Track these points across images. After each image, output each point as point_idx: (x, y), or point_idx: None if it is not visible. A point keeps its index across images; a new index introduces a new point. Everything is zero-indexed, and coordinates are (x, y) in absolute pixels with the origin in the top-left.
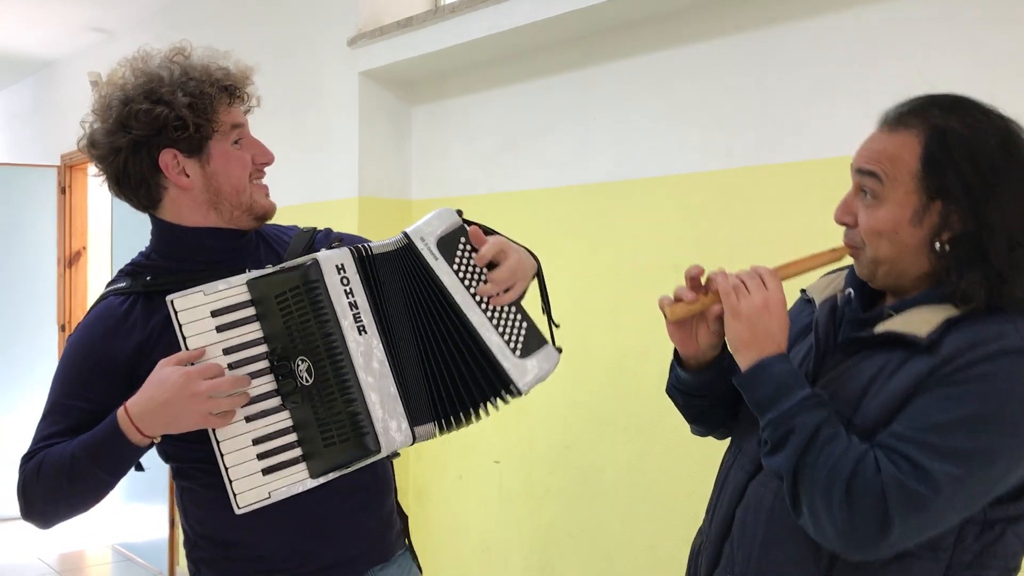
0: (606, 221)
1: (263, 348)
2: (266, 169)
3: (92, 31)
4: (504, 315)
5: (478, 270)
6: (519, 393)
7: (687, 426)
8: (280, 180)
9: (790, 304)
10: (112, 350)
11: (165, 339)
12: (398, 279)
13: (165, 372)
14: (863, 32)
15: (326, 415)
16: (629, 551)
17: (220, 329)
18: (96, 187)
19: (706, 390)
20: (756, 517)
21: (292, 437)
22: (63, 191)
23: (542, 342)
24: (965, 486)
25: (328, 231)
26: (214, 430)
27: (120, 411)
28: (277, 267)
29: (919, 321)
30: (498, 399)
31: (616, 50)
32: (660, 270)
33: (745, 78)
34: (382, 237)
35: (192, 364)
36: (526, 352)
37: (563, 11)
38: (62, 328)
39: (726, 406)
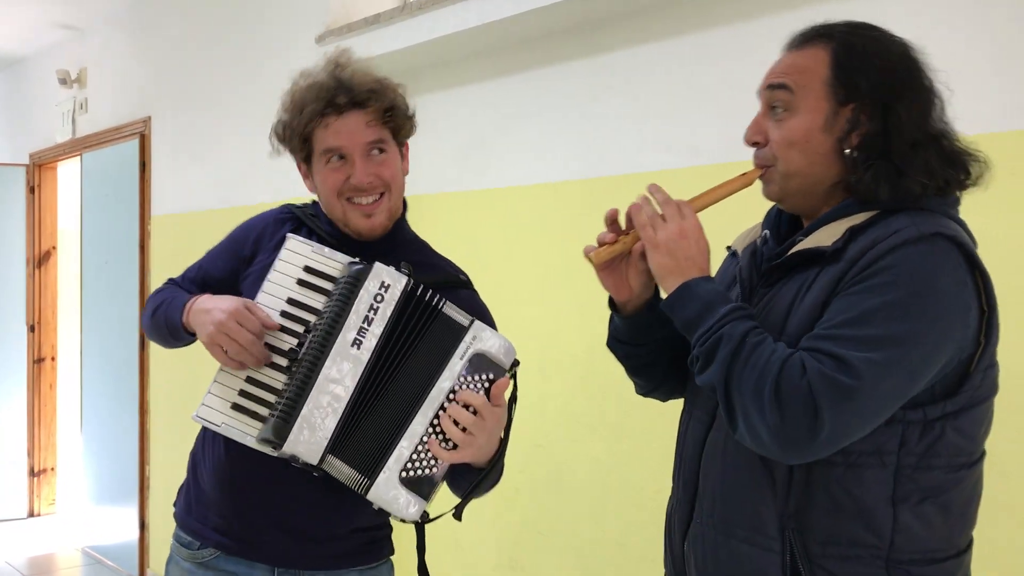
0: (574, 219)
1: (311, 318)
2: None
3: (61, 28)
4: (431, 451)
5: (469, 408)
6: (363, 493)
7: (657, 422)
8: (250, 179)
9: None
10: (245, 243)
11: (272, 261)
12: (424, 336)
13: (231, 298)
14: None
15: (286, 390)
16: (599, 548)
17: (299, 283)
18: (65, 185)
19: (644, 336)
20: (714, 461)
21: (271, 397)
22: (32, 190)
23: (423, 496)
24: (887, 372)
25: (469, 293)
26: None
27: (197, 295)
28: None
29: (825, 235)
30: (357, 483)
31: (583, 47)
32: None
33: (710, 75)
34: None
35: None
36: (407, 483)
37: (529, 8)
38: (31, 328)
39: (667, 357)
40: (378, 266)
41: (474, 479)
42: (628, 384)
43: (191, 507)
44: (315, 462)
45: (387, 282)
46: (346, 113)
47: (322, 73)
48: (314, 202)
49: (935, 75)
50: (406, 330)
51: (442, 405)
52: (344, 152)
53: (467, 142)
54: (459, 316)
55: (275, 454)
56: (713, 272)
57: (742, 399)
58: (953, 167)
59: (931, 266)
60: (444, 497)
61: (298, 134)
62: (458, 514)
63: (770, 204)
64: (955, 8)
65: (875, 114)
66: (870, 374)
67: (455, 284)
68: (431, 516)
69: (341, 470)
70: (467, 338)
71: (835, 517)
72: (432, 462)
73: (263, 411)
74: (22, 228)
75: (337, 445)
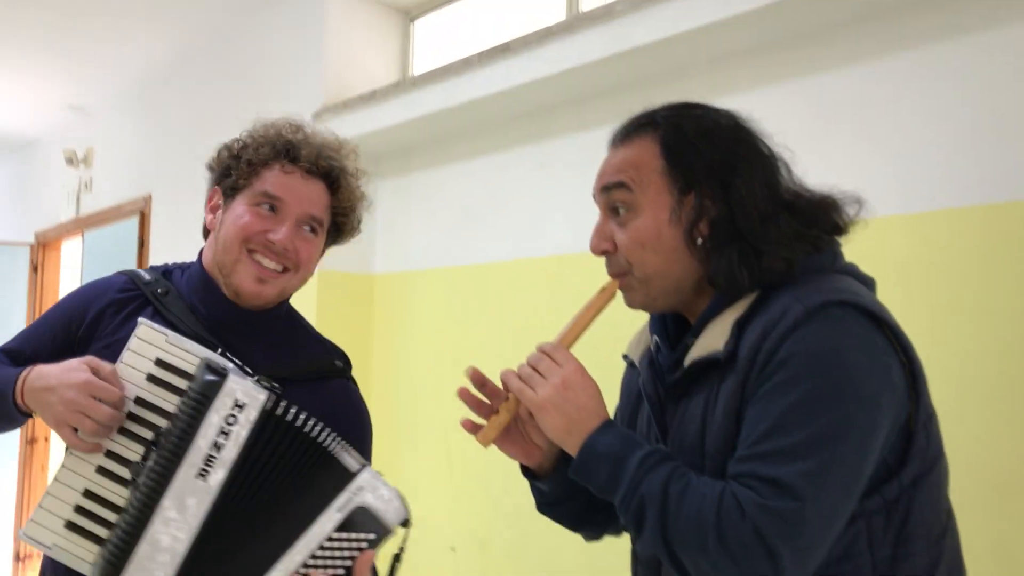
0: (560, 293)
1: (162, 422)
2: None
3: (69, 109)
4: None
5: (336, 564)
6: None
7: None
8: None
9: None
10: (80, 319)
11: (116, 355)
12: (291, 471)
13: (76, 363)
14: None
15: (123, 521)
16: None
17: (150, 379)
18: (68, 263)
19: (574, 488)
20: None
21: (112, 516)
22: (35, 269)
23: None
24: (827, 478)
25: (345, 384)
26: (68, 451)
27: (28, 368)
28: (229, 367)
29: (715, 336)
30: None
31: (574, 121)
32: (616, 342)
33: None
34: (341, 314)
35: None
36: None
37: (522, 82)
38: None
39: (603, 502)
40: (231, 381)
41: None
42: None
43: None
44: None
45: (241, 400)
46: (309, 177)
47: (316, 133)
48: (159, 270)
49: (771, 140)
50: (264, 458)
51: (306, 562)
52: (280, 207)
53: (457, 218)
54: (346, 457)
55: None
56: (616, 376)
57: (690, 558)
58: (816, 225)
59: (831, 342)
60: None
61: (250, 161)
62: None
63: None
64: (912, 89)
65: (717, 196)
66: (811, 488)
67: (326, 373)
68: None
69: None
70: (351, 487)
71: None
72: None
73: (101, 531)
74: (24, 307)
75: None
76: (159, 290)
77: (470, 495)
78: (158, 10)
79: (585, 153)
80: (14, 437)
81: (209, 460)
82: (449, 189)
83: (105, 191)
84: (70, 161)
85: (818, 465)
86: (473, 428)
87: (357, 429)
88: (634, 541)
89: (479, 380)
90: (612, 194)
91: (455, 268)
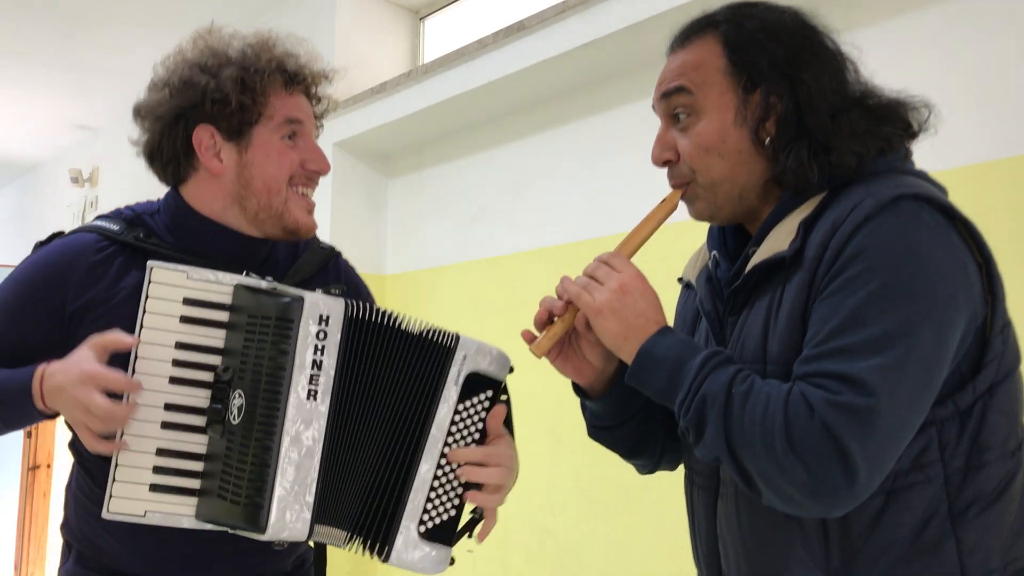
0: None
1: (215, 360)
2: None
3: (76, 128)
4: (447, 491)
5: (472, 432)
6: (383, 560)
7: (674, 499)
8: None
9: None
10: (63, 294)
11: (127, 309)
12: (393, 366)
13: (82, 351)
14: None
15: (235, 465)
16: None
17: (184, 320)
18: None
19: (627, 410)
20: (731, 532)
21: (198, 466)
22: None
23: (447, 543)
24: (903, 373)
25: (343, 261)
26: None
27: (39, 370)
28: (271, 285)
29: (780, 238)
30: (365, 548)
31: (586, 107)
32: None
33: None
34: None
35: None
36: (429, 536)
37: (535, 61)
38: (28, 435)
39: (659, 421)
40: (310, 297)
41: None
42: None
43: None
44: (305, 538)
45: (325, 313)
46: (303, 94)
47: (274, 42)
48: (117, 217)
49: (838, 37)
50: (363, 363)
51: (445, 438)
52: (299, 131)
53: (473, 212)
54: (439, 336)
55: (260, 539)
56: (669, 312)
57: (756, 463)
58: (888, 123)
59: (905, 235)
60: None
61: (254, 91)
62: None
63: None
64: (941, 45)
65: (785, 92)
66: (884, 384)
67: (325, 261)
68: (453, 560)
69: (336, 536)
70: (455, 358)
71: (889, 559)
72: (449, 504)
73: (191, 483)
74: None
75: (323, 512)
76: (140, 234)
77: None
78: (164, 20)
79: (600, 136)
80: (15, 463)
81: (313, 379)
82: (463, 183)
83: (112, 208)
84: (75, 180)
85: (892, 360)
86: (531, 339)
87: (369, 296)
88: (694, 447)
89: (545, 306)
90: (672, 100)
91: (470, 263)
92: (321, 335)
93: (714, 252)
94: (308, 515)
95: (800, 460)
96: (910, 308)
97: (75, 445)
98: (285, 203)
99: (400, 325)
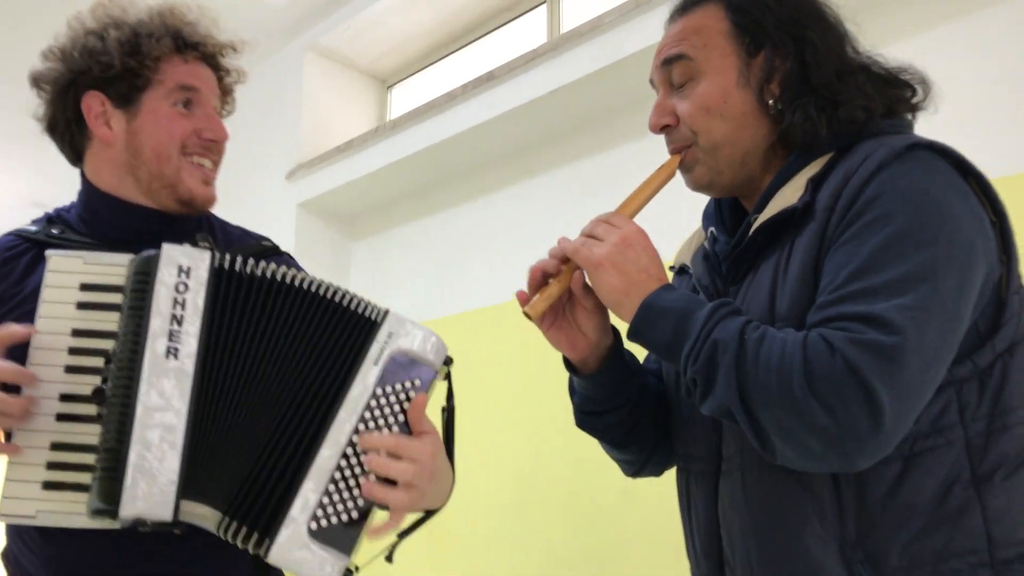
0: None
1: (110, 344)
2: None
3: (32, 206)
4: (352, 487)
5: (392, 422)
6: (263, 556)
7: (653, 551)
8: None
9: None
10: None
11: (33, 303)
12: (290, 331)
13: None
14: None
15: (101, 442)
16: None
17: (81, 306)
18: None
19: (619, 393)
20: (735, 512)
21: (91, 458)
22: None
23: (344, 550)
24: (928, 315)
25: (289, 257)
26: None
27: None
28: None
29: (787, 197)
30: (242, 537)
31: (554, 159)
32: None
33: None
34: None
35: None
36: (322, 536)
37: (504, 110)
38: None
39: (650, 411)
40: (166, 248)
41: (418, 519)
42: (619, 508)
43: None
44: (169, 517)
45: (185, 264)
46: (204, 63)
47: (174, 10)
48: (41, 220)
49: (840, 11)
50: (244, 322)
51: (355, 423)
52: (196, 99)
53: (440, 269)
54: (362, 307)
55: (117, 525)
56: None
57: (770, 411)
58: (894, 86)
59: (921, 181)
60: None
61: (156, 56)
62: (390, 556)
63: (697, 209)
64: (974, 51)
65: (789, 52)
66: (911, 323)
67: (261, 255)
68: (355, 567)
69: (208, 517)
70: (380, 336)
71: (909, 529)
72: (351, 504)
73: (86, 478)
74: None
75: (192, 486)
76: (53, 231)
77: (454, 566)
78: None
79: (567, 186)
80: None
81: (173, 336)
82: (429, 241)
83: None
84: None
85: (916, 300)
86: (525, 300)
87: None
88: (700, 402)
89: (537, 266)
90: (672, 68)
91: (438, 320)
92: (181, 287)
93: (711, 229)
94: (172, 488)
95: (821, 402)
96: (930, 252)
97: None
98: (177, 172)
99: (294, 283)
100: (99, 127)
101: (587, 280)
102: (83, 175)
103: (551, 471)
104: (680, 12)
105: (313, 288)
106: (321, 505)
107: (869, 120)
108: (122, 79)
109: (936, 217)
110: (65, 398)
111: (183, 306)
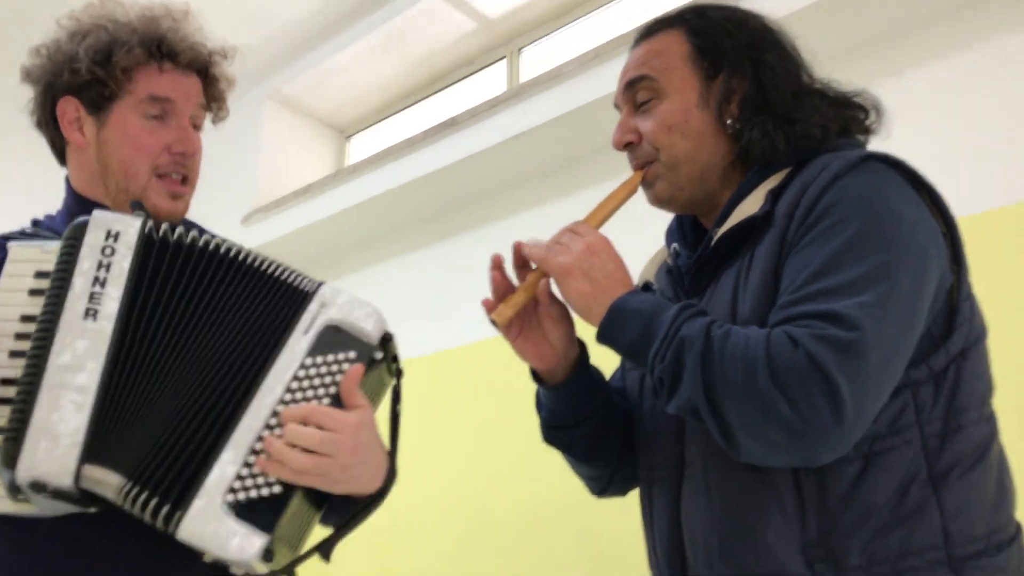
0: (512, 375)
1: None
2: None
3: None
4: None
5: (322, 395)
6: (172, 530)
7: None
8: None
9: None
10: None
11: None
12: (217, 298)
13: None
14: None
15: (13, 403)
16: None
17: (31, 292)
18: None
19: (586, 404)
20: (697, 512)
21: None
22: None
23: (263, 527)
24: (885, 313)
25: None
26: None
27: None
28: None
29: (747, 209)
30: (147, 508)
31: (512, 205)
32: None
33: (656, 218)
34: None
35: None
36: (239, 510)
37: (465, 155)
38: None
39: (617, 425)
40: (98, 213)
41: (352, 508)
42: (576, 550)
43: None
44: (69, 481)
45: (115, 229)
46: (187, 72)
47: (160, 18)
48: (35, 221)
49: (797, 43)
50: (169, 288)
51: (282, 393)
52: (170, 110)
53: (397, 314)
54: (293, 277)
55: (35, 507)
56: None
57: (736, 405)
58: (848, 108)
59: (877, 190)
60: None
61: (124, 68)
62: (326, 553)
63: (655, 233)
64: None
65: (747, 74)
66: (870, 319)
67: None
68: (282, 559)
69: (112, 484)
70: (311, 307)
71: (869, 528)
72: (274, 478)
73: None
74: None
75: (96, 449)
76: (27, 231)
77: None
78: None
79: (528, 232)
80: None
81: (94, 298)
82: (387, 286)
83: None
84: None
85: (874, 298)
86: (492, 307)
87: None
88: (667, 402)
89: (497, 261)
90: (636, 88)
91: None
92: (108, 251)
93: (674, 245)
94: (75, 451)
95: (785, 395)
96: (887, 254)
97: None
98: (144, 190)
99: (228, 254)
100: (72, 132)
101: (553, 288)
102: (67, 177)
103: (501, 515)
104: (643, 36)
105: (246, 259)
106: (239, 477)
107: (825, 137)
108: (91, 87)
109: (892, 222)
110: (7, 382)
111: (107, 269)
